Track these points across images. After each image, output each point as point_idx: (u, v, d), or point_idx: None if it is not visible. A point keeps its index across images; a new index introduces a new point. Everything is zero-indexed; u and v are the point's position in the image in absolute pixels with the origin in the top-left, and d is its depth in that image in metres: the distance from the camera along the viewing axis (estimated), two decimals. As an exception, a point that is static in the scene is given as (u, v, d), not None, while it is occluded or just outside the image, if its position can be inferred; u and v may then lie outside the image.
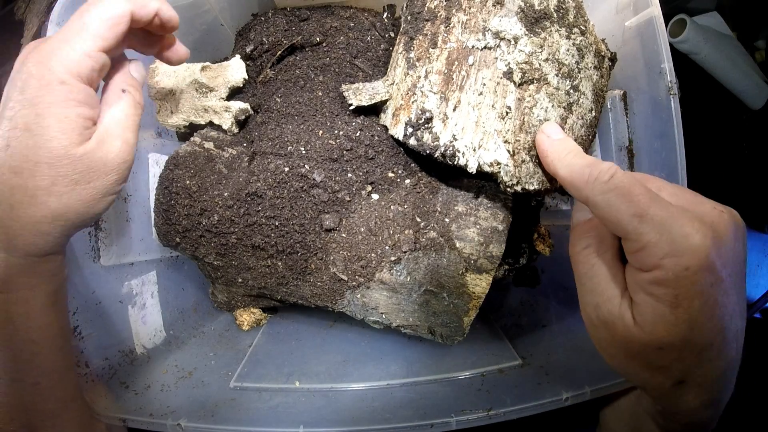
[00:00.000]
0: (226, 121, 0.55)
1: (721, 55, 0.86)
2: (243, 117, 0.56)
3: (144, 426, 0.47)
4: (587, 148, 0.48)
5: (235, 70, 0.56)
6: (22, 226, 0.36)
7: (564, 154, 0.37)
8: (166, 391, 0.52)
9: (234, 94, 0.57)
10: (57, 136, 0.35)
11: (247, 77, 0.56)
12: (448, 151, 0.43)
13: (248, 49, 0.58)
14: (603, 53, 0.46)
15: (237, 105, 0.55)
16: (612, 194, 0.32)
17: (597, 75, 0.45)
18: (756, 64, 0.92)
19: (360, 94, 0.50)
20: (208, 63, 0.56)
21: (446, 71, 0.44)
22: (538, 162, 0.43)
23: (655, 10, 0.46)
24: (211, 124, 0.57)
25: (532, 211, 0.58)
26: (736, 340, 0.33)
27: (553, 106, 0.42)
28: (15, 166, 0.34)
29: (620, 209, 0.31)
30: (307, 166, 0.51)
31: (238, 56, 0.57)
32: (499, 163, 0.42)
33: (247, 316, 0.62)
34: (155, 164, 0.57)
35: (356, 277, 0.50)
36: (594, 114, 0.46)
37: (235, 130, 0.57)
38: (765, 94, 0.91)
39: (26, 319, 0.39)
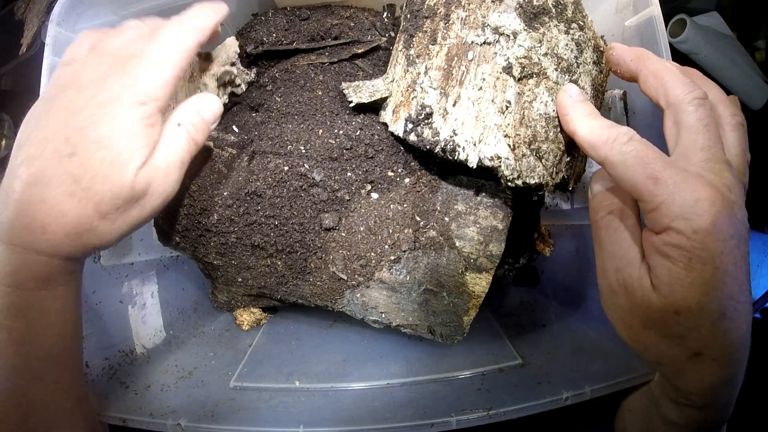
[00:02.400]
0: (213, 91, 0.54)
1: (721, 55, 0.85)
2: (227, 79, 0.54)
3: (144, 426, 0.46)
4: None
5: (229, 48, 0.55)
6: (67, 233, 0.36)
7: (584, 115, 0.38)
8: (166, 391, 0.51)
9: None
10: (123, 153, 0.35)
11: (239, 51, 0.55)
12: (449, 146, 0.42)
13: (248, 49, 0.58)
14: (602, 49, 0.45)
15: (222, 68, 0.54)
16: (629, 155, 0.33)
17: (596, 70, 0.44)
18: (756, 64, 0.91)
19: (360, 92, 0.49)
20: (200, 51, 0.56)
21: (446, 67, 0.43)
22: (539, 156, 0.42)
23: (655, 9, 0.45)
24: None
25: (533, 210, 0.57)
26: (747, 315, 0.33)
27: (552, 100, 0.42)
28: (77, 174, 0.34)
29: (636, 170, 0.32)
30: (306, 165, 0.50)
31: (232, 37, 0.56)
32: (499, 157, 0.41)
33: (247, 316, 0.61)
34: (156, 164, 0.56)
35: (356, 276, 0.49)
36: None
37: (223, 99, 0.55)
38: (765, 94, 0.89)
39: (58, 315, 0.39)
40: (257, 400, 0.49)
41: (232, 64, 0.55)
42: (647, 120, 0.47)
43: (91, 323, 0.50)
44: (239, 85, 0.56)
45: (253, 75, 0.57)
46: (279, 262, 0.52)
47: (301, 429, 0.43)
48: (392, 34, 0.57)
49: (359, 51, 0.57)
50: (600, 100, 0.46)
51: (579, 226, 0.57)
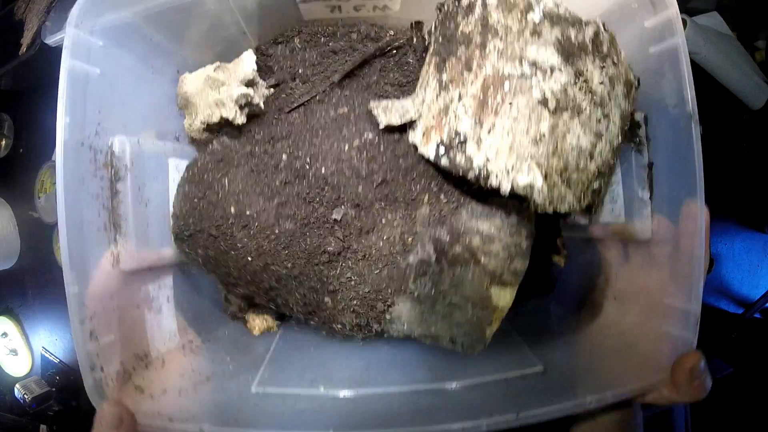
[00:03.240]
0: (231, 111, 0.57)
1: (721, 55, 0.90)
2: (244, 102, 0.57)
3: (163, 431, 0.49)
4: (612, 170, 0.53)
5: (246, 63, 0.58)
6: None
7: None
8: (185, 395, 0.55)
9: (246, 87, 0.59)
10: None
11: (256, 68, 0.58)
12: (482, 173, 0.47)
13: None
14: (632, 83, 0.50)
15: (239, 90, 0.57)
16: None
17: (625, 103, 0.50)
18: (756, 64, 0.97)
19: (390, 113, 0.53)
20: (219, 63, 0.59)
21: (481, 97, 0.47)
22: (569, 185, 0.47)
23: (680, 39, 0.49)
24: (221, 121, 0.59)
25: (552, 224, 0.63)
26: None
27: (584, 133, 0.47)
28: None
29: None
30: (328, 183, 0.55)
31: (249, 50, 0.59)
32: (532, 186, 0.46)
33: (259, 322, 0.66)
34: (174, 169, 0.59)
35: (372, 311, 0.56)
36: (620, 140, 0.51)
37: (241, 120, 0.58)
38: (765, 94, 0.95)
39: None
40: (282, 406, 0.54)
41: (249, 84, 0.58)
42: (668, 143, 0.53)
43: (107, 327, 0.52)
44: (257, 103, 0.59)
45: (271, 91, 0.61)
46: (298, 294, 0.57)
47: (330, 434, 0.48)
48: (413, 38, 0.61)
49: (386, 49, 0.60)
50: (626, 130, 0.52)
51: (595, 239, 0.63)
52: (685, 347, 0.50)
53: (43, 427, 1.00)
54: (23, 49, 0.88)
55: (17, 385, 0.98)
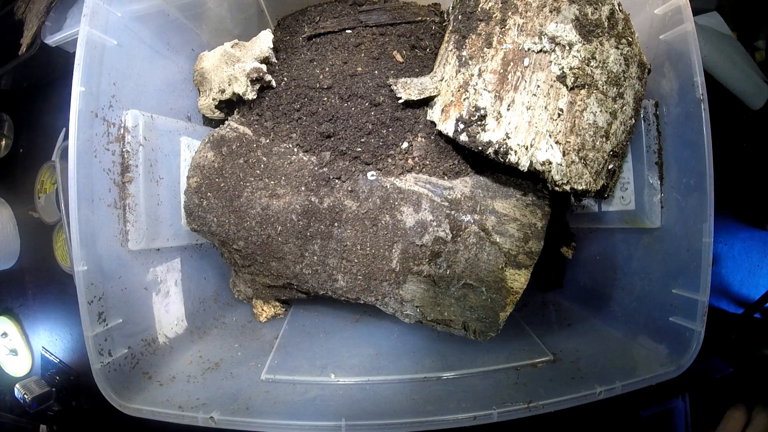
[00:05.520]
0: (242, 86, 0.57)
1: (721, 55, 0.90)
2: (256, 76, 0.56)
3: (173, 419, 0.47)
4: (625, 153, 0.52)
5: (263, 41, 0.58)
6: None
7: None
8: (193, 382, 0.53)
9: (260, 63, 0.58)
10: None
11: (272, 47, 0.58)
12: (501, 149, 0.46)
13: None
14: (645, 65, 0.50)
15: (253, 65, 0.56)
16: None
17: (639, 85, 0.49)
18: (756, 64, 0.95)
19: (409, 89, 0.52)
20: (237, 41, 0.58)
21: (501, 71, 0.47)
22: (585, 164, 0.46)
23: (689, 26, 0.49)
24: (233, 97, 0.58)
25: (559, 215, 0.61)
26: None
27: (601, 111, 0.46)
28: None
29: None
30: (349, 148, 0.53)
31: (268, 30, 0.59)
32: (550, 163, 0.45)
33: (267, 309, 0.63)
34: (186, 148, 0.58)
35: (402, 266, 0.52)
36: (633, 121, 0.50)
37: (252, 95, 0.57)
38: (765, 94, 0.94)
39: None
40: (292, 393, 0.51)
41: (263, 61, 0.58)
42: (678, 129, 0.52)
43: (115, 310, 0.50)
44: (269, 81, 0.58)
45: (262, 70, 0.59)
46: (315, 255, 0.54)
47: (343, 422, 0.45)
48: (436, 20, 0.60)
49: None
50: (639, 111, 0.51)
51: (603, 229, 0.62)
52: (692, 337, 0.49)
53: (43, 427, 0.97)
54: (23, 49, 0.86)
55: (17, 385, 0.95)
